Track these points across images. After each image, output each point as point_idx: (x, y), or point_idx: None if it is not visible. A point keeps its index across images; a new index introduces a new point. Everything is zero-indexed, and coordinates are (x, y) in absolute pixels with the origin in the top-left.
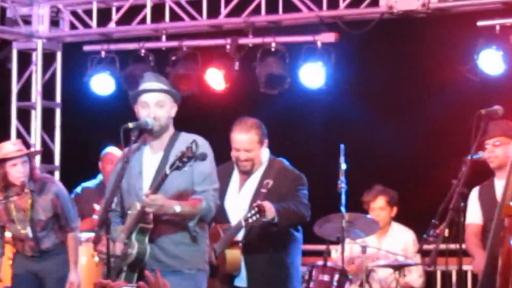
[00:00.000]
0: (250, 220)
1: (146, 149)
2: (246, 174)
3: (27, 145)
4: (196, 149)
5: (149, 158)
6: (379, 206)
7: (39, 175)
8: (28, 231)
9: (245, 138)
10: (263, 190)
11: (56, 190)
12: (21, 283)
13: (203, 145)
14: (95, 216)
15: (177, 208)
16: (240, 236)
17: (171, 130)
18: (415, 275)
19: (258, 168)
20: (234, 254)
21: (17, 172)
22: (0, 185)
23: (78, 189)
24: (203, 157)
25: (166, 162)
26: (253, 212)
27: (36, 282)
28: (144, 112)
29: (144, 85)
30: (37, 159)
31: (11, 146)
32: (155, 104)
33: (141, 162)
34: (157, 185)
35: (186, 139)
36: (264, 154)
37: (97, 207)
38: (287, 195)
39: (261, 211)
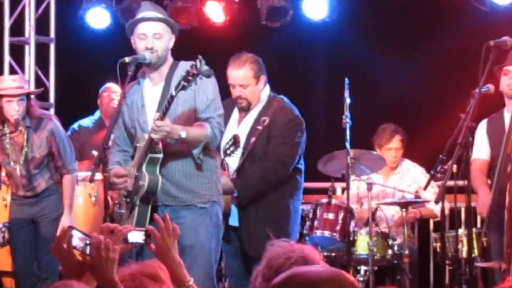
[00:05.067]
0: (228, 152)
1: (146, 83)
2: (245, 111)
3: None
4: (201, 66)
5: (150, 91)
6: (395, 146)
7: (37, 112)
8: (21, 167)
9: (239, 74)
10: (259, 127)
11: (52, 128)
12: (18, 231)
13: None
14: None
15: (183, 133)
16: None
17: (169, 60)
18: (432, 204)
19: (257, 105)
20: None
21: (11, 109)
22: None
23: (75, 126)
24: (208, 74)
25: (168, 90)
26: (230, 143)
27: (32, 227)
28: (142, 44)
29: (141, 15)
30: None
31: (11, 82)
32: (153, 34)
33: (142, 96)
34: (165, 109)
35: (186, 66)
36: (264, 91)
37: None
38: (275, 137)
39: (236, 142)
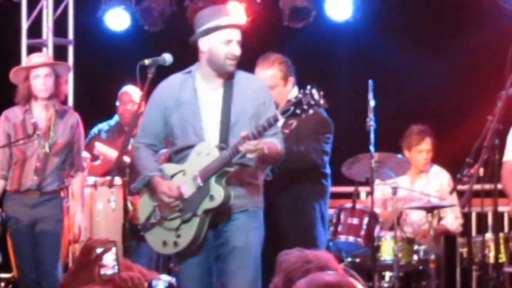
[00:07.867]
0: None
1: (200, 84)
2: None
3: None
4: (319, 97)
5: (207, 94)
6: (426, 148)
7: (65, 92)
8: (41, 152)
9: (267, 74)
10: (286, 130)
11: (78, 119)
12: (20, 236)
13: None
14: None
15: (266, 150)
16: None
17: None
18: (450, 217)
19: None
20: None
21: (39, 84)
22: (23, 94)
23: (95, 130)
24: (323, 104)
25: (230, 102)
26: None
27: (32, 232)
28: (226, 49)
29: (227, 19)
30: None
31: (37, 58)
32: (237, 42)
33: (197, 98)
34: (262, 129)
35: (246, 79)
36: (292, 93)
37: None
38: (305, 137)
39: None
